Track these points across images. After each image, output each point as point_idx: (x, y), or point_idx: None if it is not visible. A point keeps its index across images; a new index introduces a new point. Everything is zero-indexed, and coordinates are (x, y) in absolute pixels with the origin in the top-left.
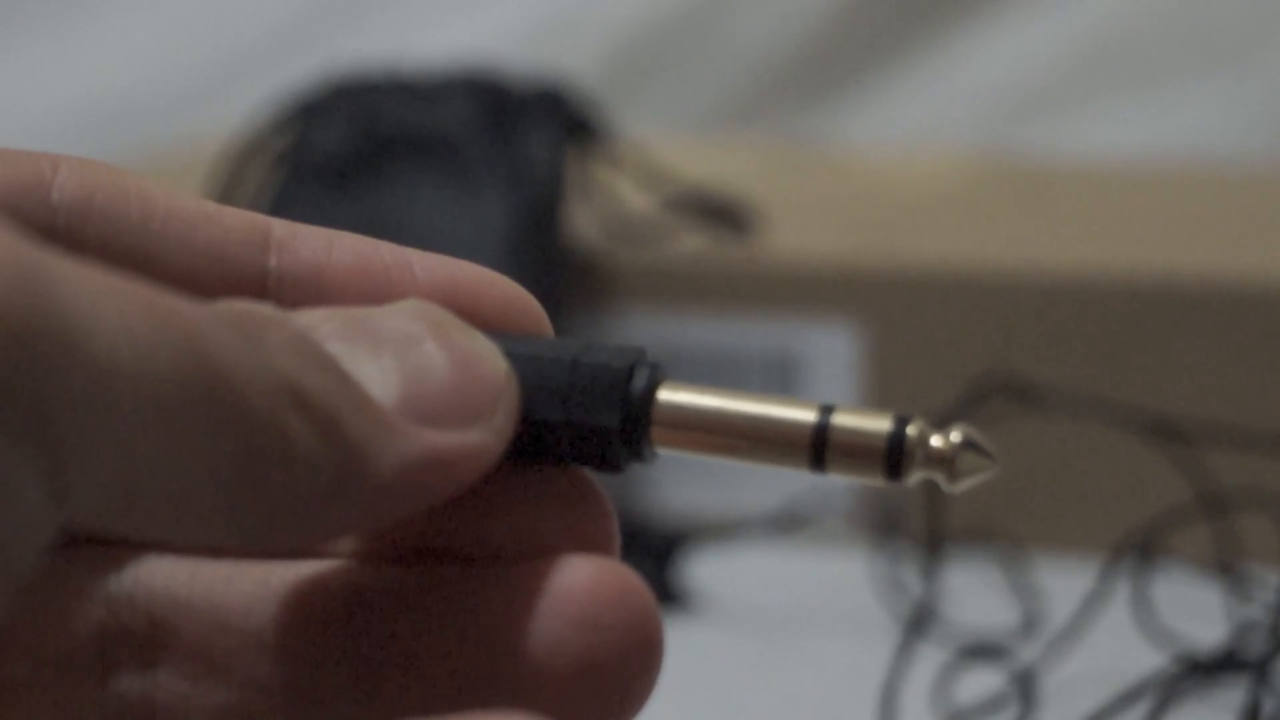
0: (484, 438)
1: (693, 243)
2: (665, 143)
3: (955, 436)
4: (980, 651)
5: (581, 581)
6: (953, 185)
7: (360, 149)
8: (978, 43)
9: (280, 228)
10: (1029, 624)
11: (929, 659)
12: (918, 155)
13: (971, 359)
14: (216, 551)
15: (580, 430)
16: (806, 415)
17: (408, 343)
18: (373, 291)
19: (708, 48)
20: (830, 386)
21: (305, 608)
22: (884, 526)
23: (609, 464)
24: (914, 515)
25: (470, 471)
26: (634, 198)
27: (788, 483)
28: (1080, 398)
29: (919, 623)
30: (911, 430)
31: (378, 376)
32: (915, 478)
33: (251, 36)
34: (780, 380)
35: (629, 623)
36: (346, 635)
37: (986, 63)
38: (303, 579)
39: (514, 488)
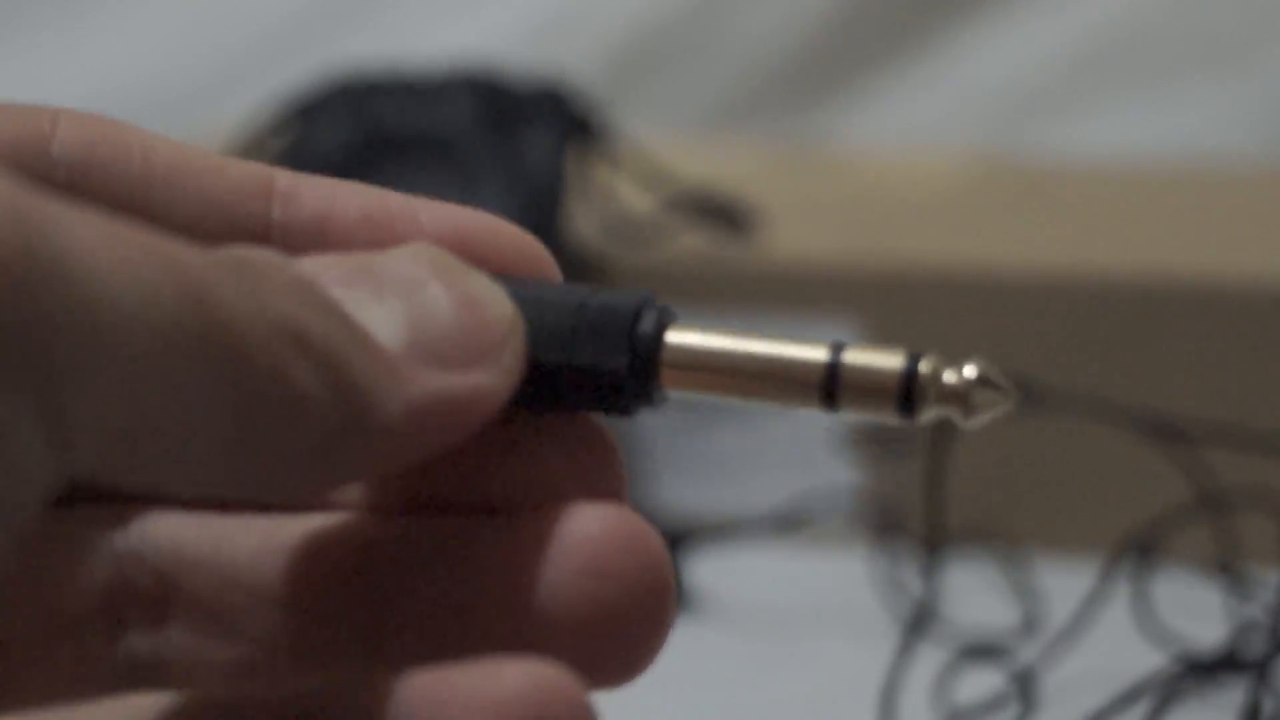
0: (491, 379)
1: (693, 243)
2: (665, 143)
3: (969, 371)
4: (980, 651)
5: (590, 529)
6: (953, 185)
7: (360, 149)
8: (978, 43)
9: (284, 178)
10: (1029, 624)
11: (929, 659)
12: (918, 155)
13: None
14: (223, 505)
15: (588, 374)
16: (818, 354)
17: (412, 286)
18: (378, 241)
19: (708, 47)
20: None
21: (312, 561)
22: (884, 526)
23: (618, 408)
24: (914, 515)
25: (478, 414)
26: (634, 198)
27: (788, 483)
28: (1080, 398)
29: (919, 623)
30: (924, 366)
31: (382, 320)
32: (929, 414)
33: (251, 36)
34: None
35: (639, 570)
36: (354, 588)
37: (986, 63)
38: (309, 533)
39: (521, 436)
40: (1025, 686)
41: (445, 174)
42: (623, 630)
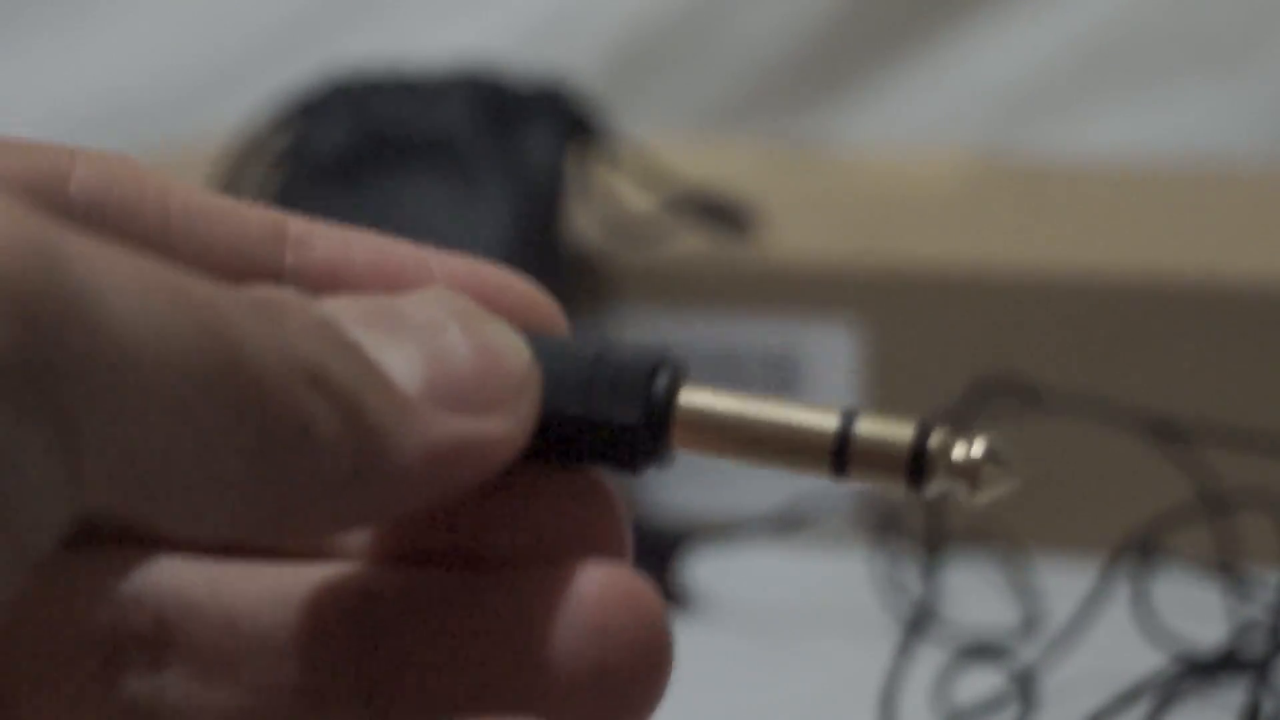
0: (508, 426)
1: (693, 243)
2: (665, 143)
3: (978, 449)
4: (980, 651)
5: (592, 589)
6: (953, 185)
7: (360, 149)
8: (978, 43)
9: (297, 225)
10: (1029, 624)
11: (929, 659)
12: (918, 155)
13: (971, 359)
14: (227, 551)
15: (600, 429)
16: (828, 422)
17: (431, 329)
18: (389, 290)
19: (708, 48)
20: (830, 386)
21: (313, 611)
22: (884, 526)
23: (628, 464)
24: (914, 515)
25: (493, 460)
26: (634, 198)
27: (788, 483)
28: (1080, 398)
29: (919, 623)
30: (934, 440)
31: (401, 362)
32: (937, 488)
33: (251, 36)
34: (780, 380)
35: (640, 630)
36: (355, 639)
37: (986, 63)
38: (313, 582)
39: (527, 489)
40: (1025, 686)
41: (445, 174)
42: (623, 689)
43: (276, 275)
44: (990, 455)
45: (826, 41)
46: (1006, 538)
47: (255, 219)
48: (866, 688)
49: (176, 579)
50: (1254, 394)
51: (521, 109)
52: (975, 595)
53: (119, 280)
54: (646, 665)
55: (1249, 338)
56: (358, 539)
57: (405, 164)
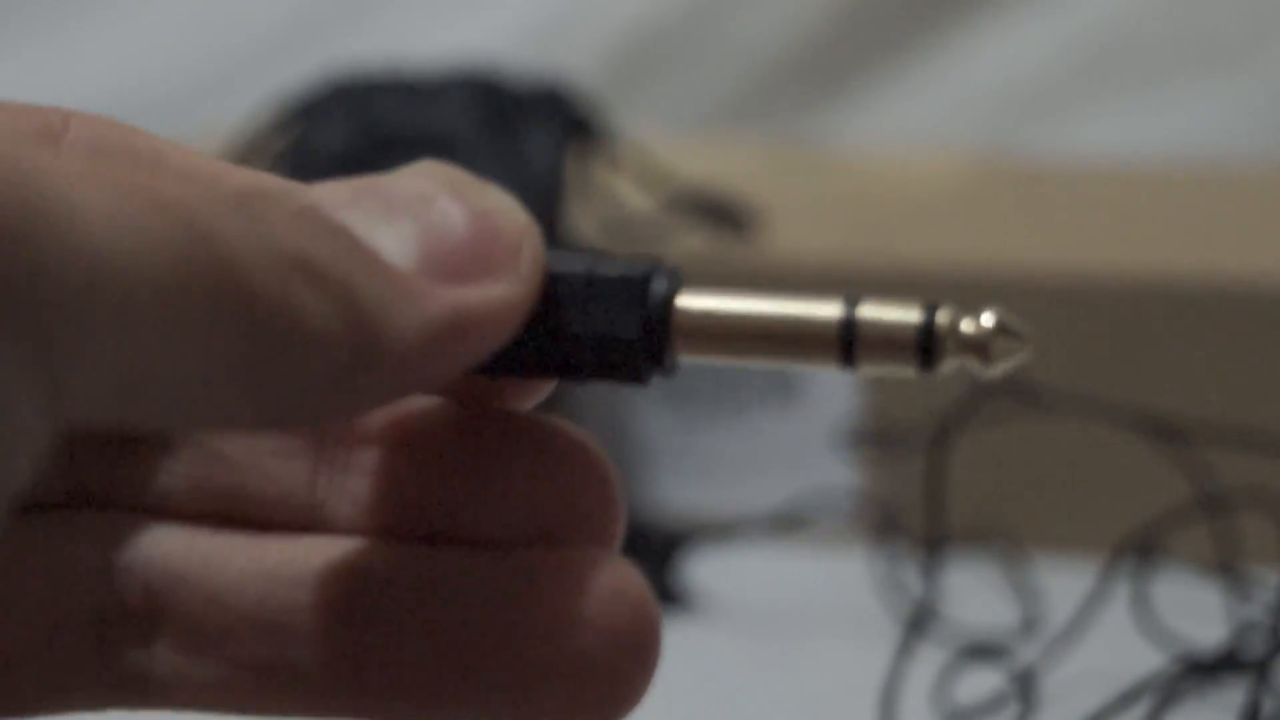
0: (510, 289)
1: (693, 243)
2: (665, 143)
3: (987, 320)
4: (980, 651)
5: (583, 579)
6: (952, 185)
7: (360, 149)
8: (978, 43)
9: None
10: (1029, 624)
11: (929, 659)
12: (918, 155)
13: None
14: (225, 518)
15: (600, 343)
16: (832, 311)
17: (422, 202)
18: None
19: (708, 48)
20: (830, 386)
21: (301, 586)
22: (884, 526)
23: (631, 377)
24: (914, 515)
25: (499, 328)
26: (634, 198)
27: (788, 483)
28: (1080, 398)
29: (919, 623)
30: (941, 317)
31: (393, 240)
32: (949, 366)
33: (251, 36)
34: (780, 380)
35: (628, 624)
36: (343, 615)
37: (986, 63)
38: (301, 556)
39: (523, 465)
40: (1025, 686)
41: None
42: (608, 681)
43: None
44: (1001, 326)
45: (826, 41)
46: (1006, 538)
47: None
48: (866, 688)
49: (165, 550)
50: (1254, 394)
51: (521, 109)
52: (975, 595)
53: (89, 189)
54: (633, 658)
55: (1249, 338)
56: (350, 511)
57: (405, 164)
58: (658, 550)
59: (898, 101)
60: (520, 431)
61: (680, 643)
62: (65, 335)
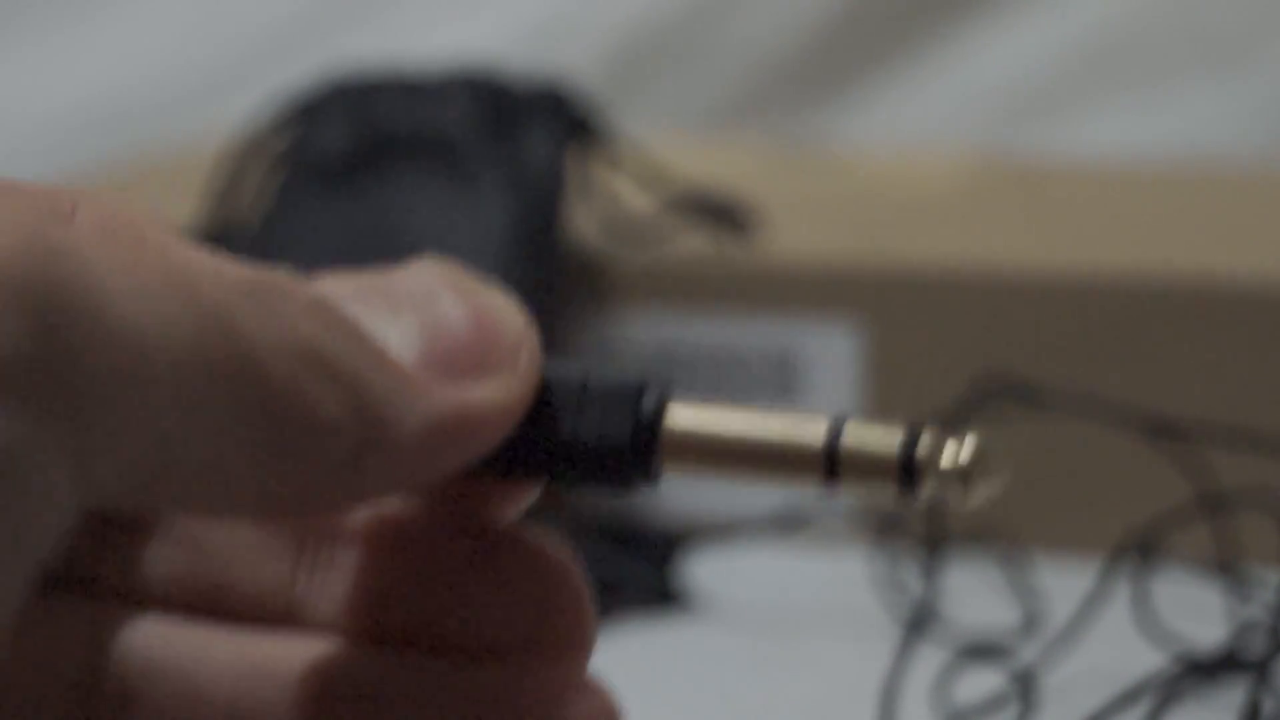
0: (508, 388)
1: (693, 243)
2: (665, 143)
3: (967, 452)
4: (980, 651)
5: (562, 703)
6: (953, 185)
7: (360, 149)
8: (978, 43)
9: None
10: (1029, 624)
11: (929, 659)
12: (918, 155)
13: (971, 359)
14: (206, 608)
15: (591, 449)
16: (817, 432)
17: (425, 299)
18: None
19: (708, 47)
20: (830, 386)
21: (275, 685)
22: (884, 526)
23: (619, 483)
24: (914, 515)
25: (497, 425)
26: (634, 198)
27: None
28: (1080, 398)
29: (919, 623)
30: (923, 446)
31: (397, 335)
32: (929, 493)
33: (251, 36)
34: (780, 380)
35: None
36: (312, 714)
37: (986, 63)
38: (274, 655)
39: (500, 576)
40: (1025, 686)
41: (445, 174)
42: None
43: None
44: (979, 457)
45: (826, 41)
46: (1006, 538)
47: None
48: (866, 688)
49: (146, 640)
50: (1254, 394)
51: (521, 109)
52: (975, 595)
53: (120, 273)
54: None
55: (1249, 338)
56: (329, 610)
57: (405, 164)
58: (658, 550)
59: (898, 101)
60: (500, 543)
61: (680, 643)
62: (96, 416)
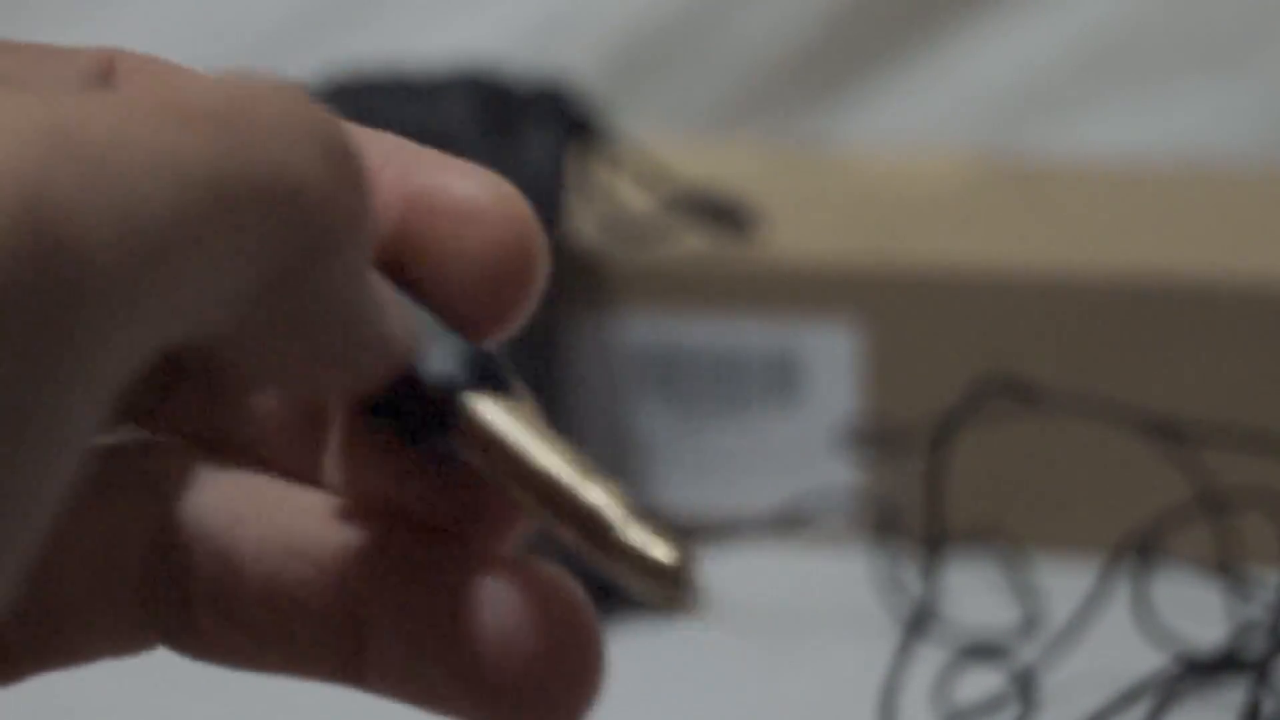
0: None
1: (693, 243)
2: (665, 143)
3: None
4: (980, 651)
5: (513, 587)
6: (953, 185)
7: None
8: (978, 43)
9: None
10: (1029, 624)
11: (929, 659)
12: (918, 155)
13: (971, 359)
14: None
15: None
16: (593, 499)
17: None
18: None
19: (708, 48)
20: (830, 386)
21: (311, 563)
22: (884, 526)
23: (410, 428)
24: (914, 515)
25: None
26: (634, 198)
27: (788, 483)
28: (1080, 398)
29: (919, 623)
30: (672, 564)
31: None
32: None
33: (251, 36)
34: (780, 380)
35: (567, 644)
36: (348, 597)
37: (986, 63)
38: (310, 530)
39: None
40: (1025, 686)
41: None
42: (543, 697)
43: None
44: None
45: (826, 41)
46: (1006, 538)
47: None
48: (866, 688)
49: (201, 502)
50: (1254, 394)
51: (521, 109)
52: (975, 595)
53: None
54: (572, 676)
55: (1249, 338)
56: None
57: None
58: None
59: (898, 101)
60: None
61: (680, 643)
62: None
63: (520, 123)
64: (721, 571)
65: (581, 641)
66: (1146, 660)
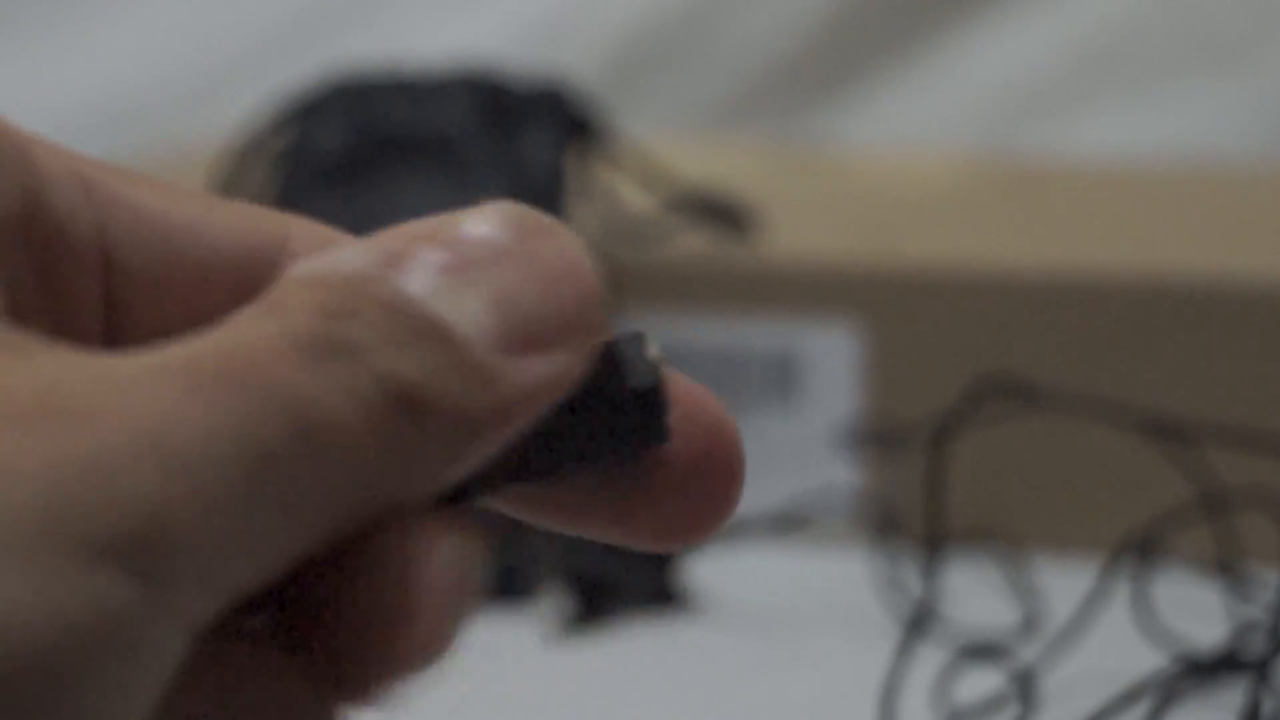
0: (569, 362)
1: (693, 243)
2: (665, 143)
3: None
4: (980, 651)
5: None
6: (953, 185)
7: (360, 149)
8: (977, 43)
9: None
10: (1029, 624)
11: (929, 659)
12: (918, 155)
13: (971, 359)
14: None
15: (607, 408)
16: None
17: (495, 262)
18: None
19: (707, 48)
20: (830, 386)
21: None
22: (884, 526)
23: (637, 444)
24: (914, 515)
25: (563, 388)
26: (634, 198)
27: (788, 483)
28: (1080, 398)
29: (919, 623)
30: None
31: (468, 312)
32: None
33: (251, 36)
34: (780, 380)
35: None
36: None
37: (986, 63)
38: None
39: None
40: (1025, 686)
41: (444, 174)
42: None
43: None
44: None
45: (826, 41)
46: (1006, 538)
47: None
48: (866, 688)
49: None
50: (1254, 394)
51: (521, 109)
52: (975, 595)
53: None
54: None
55: (1249, 338)
56: None
57: (405, 164)
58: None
59: (897, 101)
60: None
61: (680, 643)
62: (188, 579)
63: (520, 123)
64: (721, 571)
65: (729, 438)
66: (1146, 660)
